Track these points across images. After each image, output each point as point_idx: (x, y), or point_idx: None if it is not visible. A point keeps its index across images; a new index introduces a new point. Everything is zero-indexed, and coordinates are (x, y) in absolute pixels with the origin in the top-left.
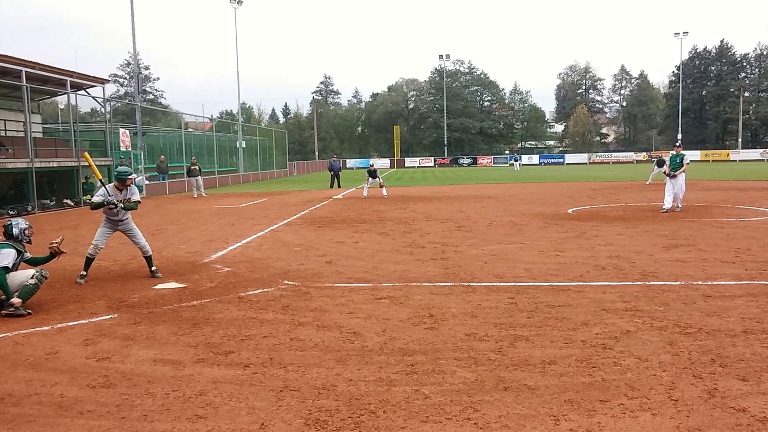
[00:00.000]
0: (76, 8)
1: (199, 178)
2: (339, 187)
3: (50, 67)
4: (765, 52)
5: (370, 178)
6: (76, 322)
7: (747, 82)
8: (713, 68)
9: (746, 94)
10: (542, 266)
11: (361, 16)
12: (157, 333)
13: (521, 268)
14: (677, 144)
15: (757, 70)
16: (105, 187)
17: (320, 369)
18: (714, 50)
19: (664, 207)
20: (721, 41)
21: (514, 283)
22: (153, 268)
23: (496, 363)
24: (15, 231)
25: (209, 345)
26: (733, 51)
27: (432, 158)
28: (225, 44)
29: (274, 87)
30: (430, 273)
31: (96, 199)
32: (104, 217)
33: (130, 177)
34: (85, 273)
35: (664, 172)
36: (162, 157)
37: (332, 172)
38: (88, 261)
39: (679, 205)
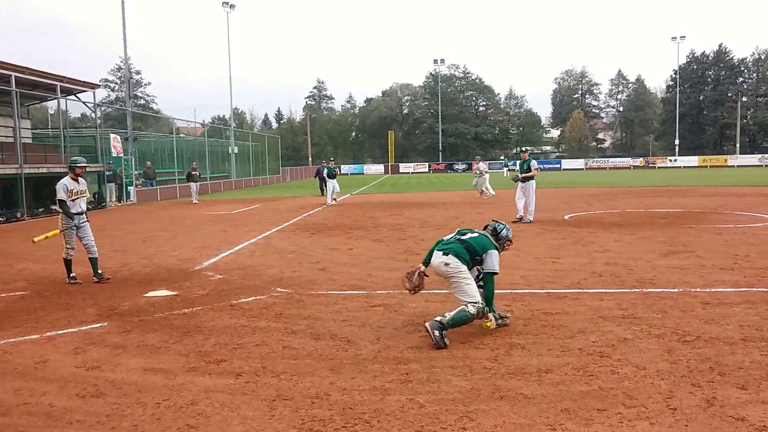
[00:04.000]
0: (67, 11)
1: (198, 183)
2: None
3: (40, 71)
4: (763, 57)
5: (328, 180)
6: (65, 331)
7: (745, 86)
8: (711, 73)
9: (744, 99)
10: (538, 273)
11: (355, 21)
12: (147, 341)
13: (517, 275)
14: (524, 149)
15: (755, 75)
16: (64, 183)
17: (313, 378)
18: (712, 55)
19: (517, 216)
20: (719, 46)
21: (510, 290)
22: (99, 272)
23: (492, 371)
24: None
25: (201, 353)
26: (731, 55)
27: (427, 164)
28: (217, 49)
29: (267, 92)
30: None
31: (61, 197)
32: (62, 219)
33: (80, 165)
34: (73, 274)
35: (514, 179)
36: (148, 163)
37: (320, 178)
38: (68, 263)
39: (530, 218)
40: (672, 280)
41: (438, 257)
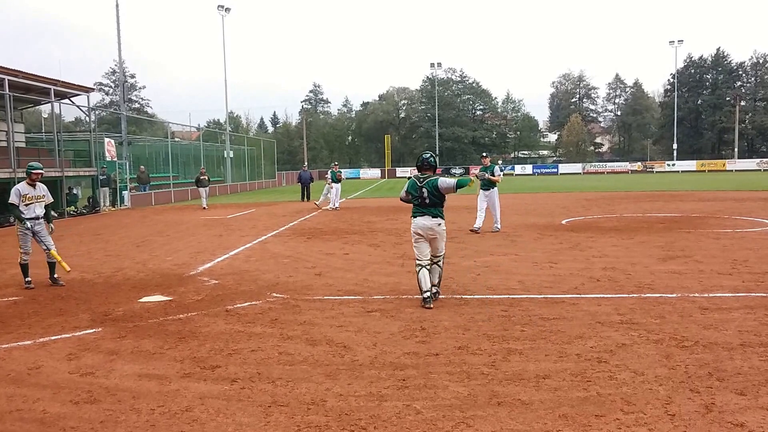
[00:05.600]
0: (61, 13)
1: (208, 188)
2: (308, 199)
3: (34, 75)
4: (761, 61)
5: (333, 183)
6: (59, 336)
7: (743, 91)
8: (709, 77)
9: (742, 103)
10: (536, 278)
11: (351, 24)
12: (142, 347)
13: (515, 280)
14: (484, 155)
15: (753, 79)
16: (17, 188)
17: (309, 384)
18: (710, 59)
19: (474, 226)
20: (717, 49)
21: (507, 296)
22: (55, 276)
23: (489, 377)
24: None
25: (196, 359)
26: (728, 59)
27: None
28: (213, 52)
29: (263, 96)
30: None
31: (12, 201)
32: (17, 223)
33: (35, 171)
34: (29, 279)
35: (485, 180)
36: (142, 167)
37: (302, 183)
38: (23, 268)
39: (498, 226)
40: (670, 285)
41: (429, 220)
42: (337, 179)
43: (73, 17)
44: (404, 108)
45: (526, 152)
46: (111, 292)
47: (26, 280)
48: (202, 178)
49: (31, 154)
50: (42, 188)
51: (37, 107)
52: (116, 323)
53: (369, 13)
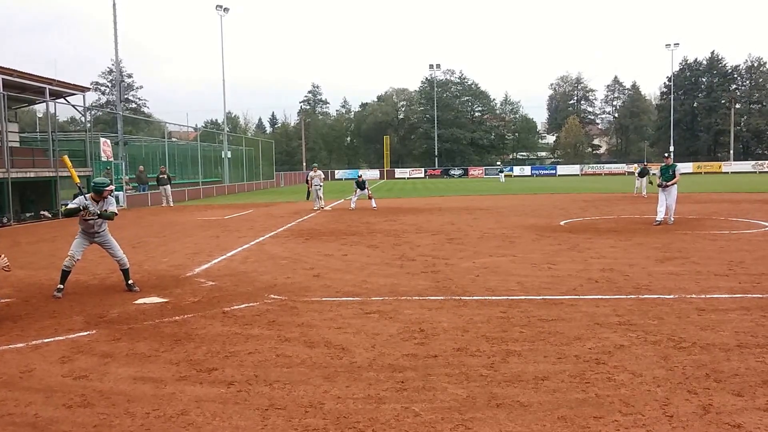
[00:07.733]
0: (59, 12)
1: (168, 187)
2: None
3: (29, 74)
4: (756, 64)
5: (358, 190)
6: (52, 339)
7: (738, 93)
8: (704, 80)
9: (737, 105)
10: (535, 279)
11: (350, 26)
12: (137, 350)
13: (513, 282)
14: (666, 155)
15: (748, 82)
16: (83, 196)
17: (307, 386)
18: (705, 62)
19: (656, 219)
20: (712, 53)
21: (506, 297)
22: (130, 282)
23: (488, 379)
24: None
25: (192, 362)
26: (723, 63)
27: (422, 169)
28: (211, 52)
29: (261, 96)
30: (420, 286)
31: (71, 205)
32: (80, 228)
33: (107, 188)
34: (61, 286)
35: (658, 185)
36: (141, 167)
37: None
38: (65, 274)
39: (671, 218)
40: (668, 287)
41: None
42: (363, 186)
43: (70, 16)
44: (403, 109)
45: (524, 153)
46: (105, 294)
47: (58, 287)
48: (161, 177)
49: (25, 154)
50: (107, 201)
51: (32, 106)
52: (111, 325)
53: (368, 14)
